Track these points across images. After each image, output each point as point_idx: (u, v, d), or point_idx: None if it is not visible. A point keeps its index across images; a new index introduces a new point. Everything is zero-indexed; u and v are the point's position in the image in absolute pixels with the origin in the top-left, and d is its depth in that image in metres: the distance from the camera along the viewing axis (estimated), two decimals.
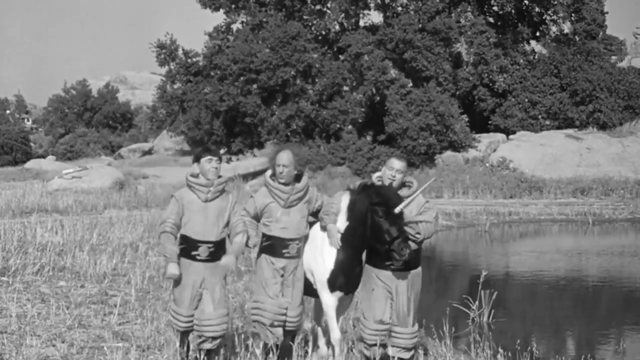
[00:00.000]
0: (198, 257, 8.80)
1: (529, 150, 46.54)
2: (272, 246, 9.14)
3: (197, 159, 9.05)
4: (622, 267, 22.58)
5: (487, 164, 46.26)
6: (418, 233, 8.72)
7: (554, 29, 55.87)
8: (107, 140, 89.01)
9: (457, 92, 50.65)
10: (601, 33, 54.71)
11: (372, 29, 50.79)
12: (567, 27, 55.27)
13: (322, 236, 9.09)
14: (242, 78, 48.24)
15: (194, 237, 8.81)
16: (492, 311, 14.06)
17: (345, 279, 8.95)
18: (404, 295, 8.83)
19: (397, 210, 8.40)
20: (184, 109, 53.44)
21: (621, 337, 13.18)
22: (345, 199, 8.93)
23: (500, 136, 50.06)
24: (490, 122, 51.89)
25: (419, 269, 8.98)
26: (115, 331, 10.63)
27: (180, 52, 53.42)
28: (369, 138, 49.04)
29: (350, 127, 48.66)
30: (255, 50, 47.88)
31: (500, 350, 10.29)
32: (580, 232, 31.23)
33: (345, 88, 48.97)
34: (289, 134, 49.19)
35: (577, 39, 53.97)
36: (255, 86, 48.35)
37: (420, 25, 48.74)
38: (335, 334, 9.07)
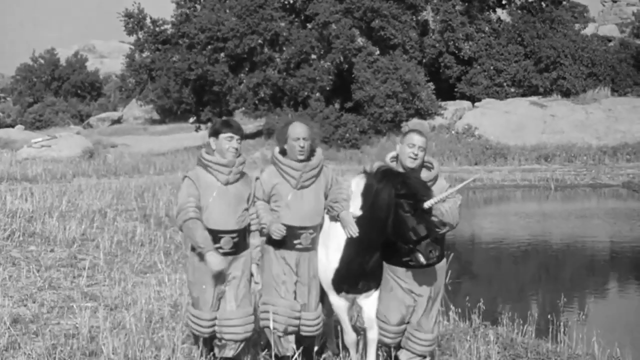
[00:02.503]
0: (221, 251, 7.58)
1: (494, 118, 47.04)
2: (283, 237, 7.82)
3: (215, 134, 7.76)
4: (583, 231, 23.24)
5: (453, 131, 46.75)
6: (444, 224, 7.49)
7: None
8: (76, 110, 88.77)
9: (424, 60, 50.97)
10: (565, 1, 55.22)
11: None
12: None
13: (328, 227, 7.92)
14: (209, 47, 48.44)
15: (214, 227, 7.59)
16: (449, 272, 14.56)
17: (354, 279, 7.77)
18: (425, 296, 7.76)
19: (426, 205, 7.21)
20: (152, 77, 53.59)
21: (574, 297, 13.74)
22: (358, 183, 7.68)
23: (466, 104, 50.62)
24: (456, 89, 52.33)
25: (443, 261, 7.84)
26: (84, 292, 11.04)
27: (148, 20, 53.48)
28: (337, 106, 49.36)
29: (318, 95, 48.91)
30: (222, 19, 48.07)
31: (452, 307, 10.81)
32: (543, 197, 31.89)
33: (313, 56, 49.13)
34: (256, 102, 49.50)
35: (543, 5, 54.36)
36: (222, 54, 48.57)
37: None
38: (349, 337, 8.05)
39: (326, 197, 7.97)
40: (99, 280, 11.96)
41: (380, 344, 7.99)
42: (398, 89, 45.95)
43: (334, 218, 7.77)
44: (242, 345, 7.78)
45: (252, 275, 7.86)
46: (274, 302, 7.83)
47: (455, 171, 37.26)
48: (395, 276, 7.70)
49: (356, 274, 7.72)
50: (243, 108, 52.08)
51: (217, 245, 7.55)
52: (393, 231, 7.24)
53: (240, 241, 7.72)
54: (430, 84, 49.29)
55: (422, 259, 7.13)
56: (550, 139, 44.98)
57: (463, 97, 51.73)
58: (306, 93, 48.49)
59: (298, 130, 7.85)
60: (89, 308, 9.91)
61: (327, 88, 48.66)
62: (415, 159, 7.50)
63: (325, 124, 45.82)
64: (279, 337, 7.87)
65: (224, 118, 7.52)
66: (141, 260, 13.64)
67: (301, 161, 7.84)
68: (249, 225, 7.84)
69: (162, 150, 48.93)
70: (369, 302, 7.95)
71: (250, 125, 56.55)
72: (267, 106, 49.89)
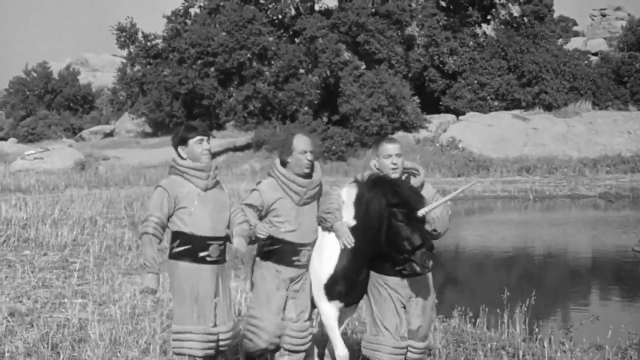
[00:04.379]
0: (209, 259, 7.36)
1: (478, 131, 47.97)
2: (281, 252, 7.60)
3: (183, 142, 7.49)
4: (558, 239, 24.23)
5: (437, 144, 47.70)
6: (434, 230, 7.44)
7: (503, 12, 57.33)
8: (69, 123, 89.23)
9: (409, 74, 52.00)
10: (548, 15, 56.25)
11: (327, 13, 52.10)
12: (515, 10, 56.73)
13: (321, 236, 7.68)
14: (199, 61, 49.47)
15: (202, 234, 7.34)
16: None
17: (347, 287, 7.58)
18: (419, 304, 7.53)
19: (420, 213, 7.08)
20: (143, 91, 54.48)
21: (540, 297, 14.68)
22: (349, 192, 7.51)
23: (451, 117, 51.64)
24: (440, 103, 53.38)
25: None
26: (75, 290, 11.94)
27: (139, 35, 54.41)
28: (324, 119, 50.31)
29: (306, 108, 49.94)
30: (212, 34, 49.09)
31: None
32: (522, 207, 32.85)
33: (301, 70, 50.23)
34: (246, 115, 50.46)
35: (526, 20, 55.46)
36: (212, 69, 49.57)
37: (373, 9, 50.08)
38: (340, 351, 7.69)
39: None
40: (88, 280, 12.82)
41: None
42: (383, 102, 46.93)
43: (327, 229, 7.58)
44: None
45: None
46: (262, 317, 7.64)
47: (438, 182, 38.17)
48: (387, 286, 7.45)
49: (350, 284, 7.56)
50: (233, 121, 53.16)
51: (205, 253, 7.32)
52: (387, 241, 7.13)
53: (224, 249, 7.52)
54: (416, 97, 50.35)
55: (417, 269, 7.03)
56: (532, 151, 45.95)
57: (447, 110, 52.76)
58: (294, 106, 49.50)
59: (304, 142, 7.56)
60: (79, 303, 10.85)
61: (315, 101, 49.74)
62: (396, 168, 7.37)
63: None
64: (258, 351, 7.75)
65: (187, 123, 6.91)
66: (128, 263, 14.56)
67: (306, 175, 7.57)
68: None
69: (154, 162, 49.70)
70: (344, 317, 7.89)
71: (241, 137, 57.41)
72: (256, 119, 50.89)
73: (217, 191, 7.57)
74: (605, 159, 44.10)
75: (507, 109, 51.47)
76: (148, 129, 73.92)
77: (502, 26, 56.34)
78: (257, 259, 7.79)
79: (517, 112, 50.54)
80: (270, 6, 52.08)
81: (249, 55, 49.38)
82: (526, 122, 48.83)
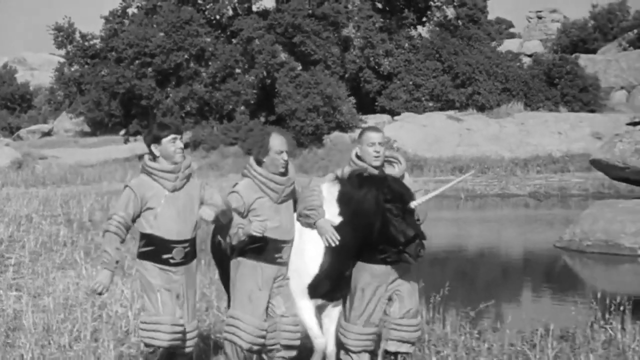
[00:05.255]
0: (172, 261, 7.39)
1: (413, 131, 48.56)
2: (264, 250, 7.61)
3: (156, 140, 7.43)
4: (485, 237, 25.01)
5: None
6: (417, 219, 7.68)
7: (438, 14, 58.20)
8: (6, 122, 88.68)
9: (345, 75, 52.61)
10: (482, 18, 57.20)
11: (264, 14, 52.48)
12: (450, 13, 57.59)
13: (300, 234, 7.77)
14: (137, 61, 49.55)
15: (166, 236, 7.36)
16: None
17: (332, 285, 7.73)
18: (406, 287, 7.86)
19: (413, 205, 7.40)
20: (81, 90, 54.44)
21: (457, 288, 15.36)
22: (330, 190, 7.69)
23: (386, 117, 52.13)
24: (376, 103, 53.91)
25: None
26: (10, 284, 12.39)
27: (77, 35, 54.34)
28: (261, 119, 50.75)
29: (242, 108, 50.36)
30: (149, 35, 49.31)
31: None
32: (454, 206, 33.59)
33: (238, 71, 50.62)
34: (183, 115, 50.75)
35: (460, 23, 56.41)
36: (150, 69, 49.77)
37: (310, 11, 50.65)
38: (320, 341, 7.85)
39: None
40: (23, 274, 13.23)
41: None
42: (319, 103, 47.47)
43: (309, 225, 7.67)
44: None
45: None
46: (242, 319, 7.62)
47: None
48: (370, 274, 7.69)
49: (335, 280, 7.68)
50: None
51: (169, 256, 7.35)
52: (380, 235, 7.37)
53: (190, 250, 7.52)
54: (351, 98, 50.81)
55: (411, 260, 7.39)
56: (466, 151, 46.69)
57: (383, 111, 53.29)
58: (231, 106, 49.86)
59: (280, 142, 7.62)
60: (14, 295, 11.33)
61: (252, 102, 50.12)
62: (378, 156, 7.60)
63: (249, 136, 47.09)
64: (240, 353, 7.69)
65: (159, 121, 6.94)
66: (63, 258, 14.97)
67: (282, 174, 7.65)
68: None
69: (92, 161, 49.80)
70: (334, 312, 7.99)
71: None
72: (193, 119, 51.23)
73: (187, 190, 7.49)
74: (536, 159, 44.87)
75: (441, 109, 52.15)
76: (87, 129, 73.82)
77: (437, 28, 57.19)
78: (238, 258, 7.75)
79: (451, 112, 51.23)
80: (207, 7, 52.39)
81: (186, 56, 49.70)
82: (460, 122, 49.58)
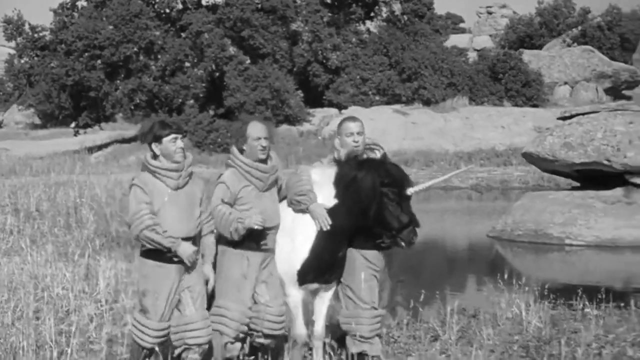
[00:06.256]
0: (175, 259, 7.43)
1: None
2: (250, 237, 7.62)
3: (157, 139, 7.47)
4: (426, 227, 25.70)
5: (320, 137, 48.86)
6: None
7: (385, 9, 59.02)
8: None
9: (293, 69, 53.39)
10: (428, 13, 58.05)
11: (213, 8, 52.85)
12: (397, 8, 58.39)
13: (292, 219, 7.78)
14: (86, 54, 49.67)
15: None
16: None
17: (325, 268, 7.75)
18: (386, 273, 8.12)
19: (409, 192, 7.46)
20: (31, 83, 54.48)
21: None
22: (326, 172, 7.74)
23: (334, 111, 52.87)
24: (324, 97, 54.69)
25: None
26: None
27: (27, 27, 54.31)
28: (210, 112, 51.12)
29: (192, 101, 50.77)
30: (99, 28, 49.49)
31: None
32: None
33: (187, 64, 51.05)
34: (132, 107, 51.10)
35: (406, 18, 57.23)
36: (99, 62, 49.98)
37: (259, 5, 51.13)
38: (300, 330, 7.94)
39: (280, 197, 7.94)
40: None
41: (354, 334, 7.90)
42: (267, 96, 48.09)
43: (301, 211, 7.68)
44: (206, 348, 7.60)
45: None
46: (229, 307, 7.66)
47: None
48: (363, 258, 7.84)
49: (327, 264, 7.72)
50: (121, 114, 53.76)
51: (171, 254, 7.36)
52: (376, 219, 7.41)
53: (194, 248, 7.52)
54: (299, 91, 51.72)
55: (403, 245, 7.45)
56: (411, 145, 47.34)
57: (331, 104, 54.07)
58: (180, 99, 50.26)
59: (258, 129, 7.67)
60: None
61: (201, 95, 50.58)
62: (357, 145, 7.69)
63: (198, 129, 47.50)
64: (228, 342, 7.71)
65: (161, 120, 6.97)
66: (10, 245, 15.52)
67: (263, 161, 7.69)
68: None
69: (41, 154, 49.80)
70: (326, 296, 8.03)
71: (131, 130, 58.04)
72: (143, 112, 51.56)
73: (190, 188, 7.55)
74: (479, 152, 45.68)
75: (388, 103, 52.93)
76: (37, 121, 73.64)
77: (385, 24, 58.04)
78: (223, 247, 7.79)
79: (397, 106, 51.91)
80: (157, 0, 52.63)
81: (135, 49, 50.02)
82: (405, 116, 50.23)
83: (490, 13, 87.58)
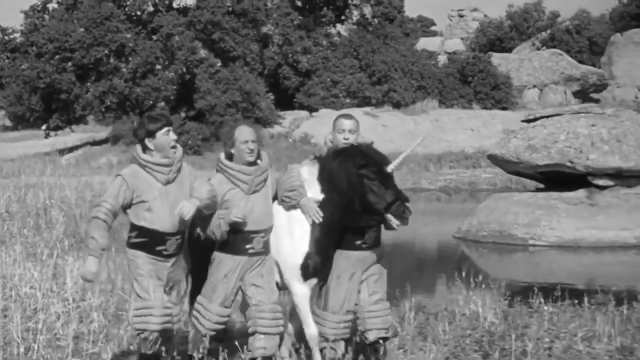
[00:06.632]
0: (165, 252, 7.45)
1: (330, 127, 48.74)
2: (234, 241, 7.63)
3: (150, 134, 7.41)
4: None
5: (291, 140, 49.08)
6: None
7: (355, 12, 59.38)
8: None
9: (264, 71, 53.62)
10: (398, 17, 58.39)
11: (184, 10, 53.16)
12: (367, 12, 58.74)
13: (288, 216, 7.78)
14: (57, 56, 49.73)
15: (160, 229, 7.38)
16: None
17: (322, 262, 7.72)
18: (377, 273, 8.00)
19: (390, 168, 7.43)
20: (2, 85, 54.47)
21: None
22: (311, 170, 7.79)
23: (304, 113, 53.09)
24: (294, 100, 54.92)
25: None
26: None
27: None
28: (181, 114, 51.21)
29: (163, 103, 50.87)
30: (70, 30, 49.55)
31: None
32: None
33: (158, 67, 51.19)
34: (103, 110, 51.17)
35: (376, 22, 57.56)
36: (70, 64, 49.99)
37: (230, 8, 51.40)
38: (312, 330, 7.83)
39: (274, 198, 7.88)
40: None
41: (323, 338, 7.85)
42: (238, 98, 48.29)
43: (293, 207, 7.70)
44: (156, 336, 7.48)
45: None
46: (204, 305, 7.73)
47: None
48: (347, 260, 7.77)
49: (324, 257, 7.71)
50: (92, 116, 53.80)
51: (162, 247, 7.38)
52: (362, 205, 7.34)
53: (182, 241, 7.61)
54: (270, 94, 51.83)
55: (396, 222, 7.37)
56: (381, 147, 44.81)
57: (301, 107, 54.24)
58: (151, 102, 50.39)
59: (245, 132, 7.69)
60: None
61: (172, 97, 50.73)
62: (347, 143, 7.73)
63: None
64: (200, 336, 7.78)
65: (149, 114, 6.85)
66: None
67: (250, 163, 7.65)
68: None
69: (12, 156, 49.77)
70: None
71: (102, 132, 58.05)
72: (114, 114, 51.61)
73: (179, 182, 7.53)
74: (449, 154, 45.93)
75: (358, 106, 52.95)
76: (8, 123, 73.47)
77: (355, 27, 58.38)
78: (215, 253, 7.78)
79: (367, 109, 52.03)
80: (128, 3, 52.79)
81: (106, 52, 50.11)
82: (376, 119, 50.37)
83: (461, 16, 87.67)
